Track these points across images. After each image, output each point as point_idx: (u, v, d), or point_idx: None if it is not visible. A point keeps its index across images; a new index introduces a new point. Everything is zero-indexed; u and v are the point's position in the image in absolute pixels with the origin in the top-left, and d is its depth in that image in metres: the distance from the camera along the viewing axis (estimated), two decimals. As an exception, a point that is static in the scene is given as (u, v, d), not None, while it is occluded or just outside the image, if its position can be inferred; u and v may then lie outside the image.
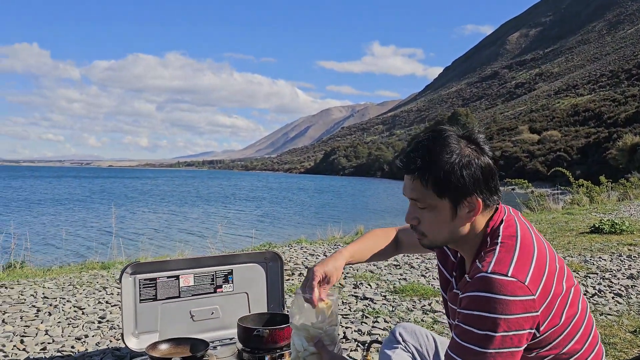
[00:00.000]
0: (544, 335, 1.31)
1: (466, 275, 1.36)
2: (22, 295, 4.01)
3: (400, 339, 1.91)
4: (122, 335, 2.46)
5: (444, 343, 1.94)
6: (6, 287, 4.28)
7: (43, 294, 4.04)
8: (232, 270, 2.74)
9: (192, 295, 2.64)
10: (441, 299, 1.70)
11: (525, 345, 1.29)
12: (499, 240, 1.33)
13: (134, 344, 2.47)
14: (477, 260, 1.33)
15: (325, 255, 5.86)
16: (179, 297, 2.60)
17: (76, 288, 4.26)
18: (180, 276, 2.60)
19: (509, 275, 1.24)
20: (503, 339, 1.23)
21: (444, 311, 3.40)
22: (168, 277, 2.58)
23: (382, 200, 42.51)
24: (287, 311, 2.84)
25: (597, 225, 7.82)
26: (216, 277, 2.70)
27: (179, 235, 14.46)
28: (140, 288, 2.50)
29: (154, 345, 2.33)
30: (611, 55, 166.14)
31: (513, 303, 1.23)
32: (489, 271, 1.25)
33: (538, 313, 1.27)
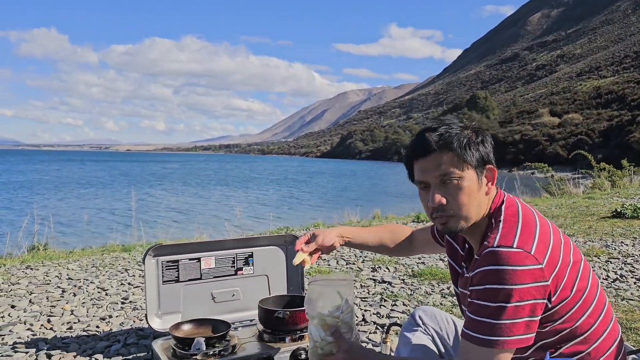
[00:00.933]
0: (556, 308, 1.33)
1: (476, 256, 1.39)
2: (47, 276, 4.11)
3: (420, 322, 1.92)
4: (145, 315, 2.51)
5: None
6: (31, 269, 4.39)
7: (67, 275, 4.13)
8: (252, 253, 2.77)
9: (214, 277, 2.68)
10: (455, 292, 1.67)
11: (540, 317, 1.31)
12: (502, 219, 1.38)
13: (157, 324, 2.52)
14: (484, 241, 1.37)
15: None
16: (200, 279, 2.64)
17: (99, 270, 4.35)
18: (201, 258, 2.64)
19: (515, 246, 1.28)
20: (516, 309, 1.26)
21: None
22: (190, 259, 2.62)
23: (399, 185, 42.40)
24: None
25: (619, 210, 7.70)
26: (237, 260, 2.73)
27: (198, 218, 14.62)
28: (162, 270, 2.55)
29: (177, 326, 2.38)
30: (636, 35, 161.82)
31: (522, 272, 1.26)
32: (495, 245, 1.30)
33: (548, 282, 1.29)
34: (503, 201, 1.44)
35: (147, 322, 2.49)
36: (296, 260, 1.83)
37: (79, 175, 45.78)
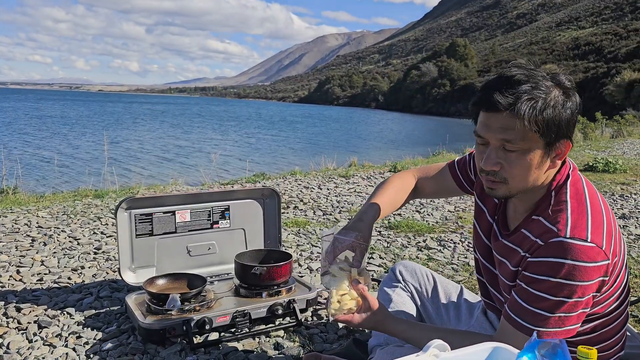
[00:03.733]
0: (601, 297, 1.28)
1: (530, 234, 1.27)
2: (16, 224, 3.99)
3: (400, 277, 1.90)
4: (118, 269, 2.45)
5: (444, 282, 1.93)
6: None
7: (37, 223, 4.02)
8: (229, 206, 2.70)
9: (189, 230, 2.61)
10: (471, 241, 1.60)
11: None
12: (567, 199, 1.25)
13: (131, 278, 2.47)
14: (542, 218, 1.26)
15: (320, 189, 5.86)
16: (175, 232, 2.58)
17: (70, 218, 4.24)
18: (176, 212, 2.56)
19: (589, 240, 1.18)
20: (575, 304, 1.20)
21: (461, 250, 3.46)
22: (164, 212, 2.54)
23: (377, 132, 42.40)
24: (284, 248, 2.84)
25: (591, 164, 7.83)
26: (213, 213, 2.66)
27: (173, 164, 14.42)
28: (136, 223, 2.47)
29: (152, 281, 2.33)
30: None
31: (592, 269, 1.18)
32: (567, 236, 1.18)
33: (608, 277, 1.23)
34: (569, 175, 1.30)
35: (121, 276, 2.43)
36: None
37: (52, 114, 44.39)
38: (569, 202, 1.24)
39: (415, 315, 1.83)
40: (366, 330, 2.15)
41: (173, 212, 2.56)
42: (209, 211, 2.65)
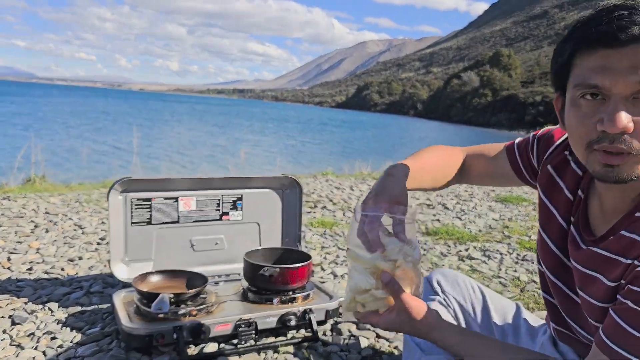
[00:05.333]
0: None
1: (624, 232, 0.93)
2: (23, 209, 3.73)
3: (438, 289, 1.48)
4: (109, 261, 2.11)
5: (495, 298, 1.50)
6: (9, 200, 4.01)
7: (45, 209, 3.75)
8: (242, 195, 2.33)
9: (194, 221, 2.25)
10: (537, 252, 1.18)
11: None
12: None
13: (123, 272, 2.12)
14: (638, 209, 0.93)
15: (352, 190, 5.44)
16: (177, 222, 2.22)
17: (82, 205, 3.96)
18: (179, 198, 2.21)
19: None
20: None
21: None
22: (166, 198, 2.19)
23: (415, 139, 41.66)
24: (305, 247, 2.45)
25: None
26: (223, 202, 2.29)
27: (200, 159, 14.23)
28: (132, 208, 2.12)
29: (144, 277, 1.98)
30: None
31: None
32: None
33: None
34: None
35: (110, 269, 2.09)
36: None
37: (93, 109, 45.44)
38: None
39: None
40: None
41: (176, 199, 2.21)
42: (219, 200, 2.29)
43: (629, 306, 0.88)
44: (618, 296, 0.92)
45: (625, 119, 0.83)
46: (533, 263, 3.08)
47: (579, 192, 1.08)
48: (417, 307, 1.02)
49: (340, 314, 2.09)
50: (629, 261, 0.91)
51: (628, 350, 0.86)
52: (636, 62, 0.82)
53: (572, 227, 1.08)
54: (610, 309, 0.93)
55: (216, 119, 46.43)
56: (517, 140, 1.30)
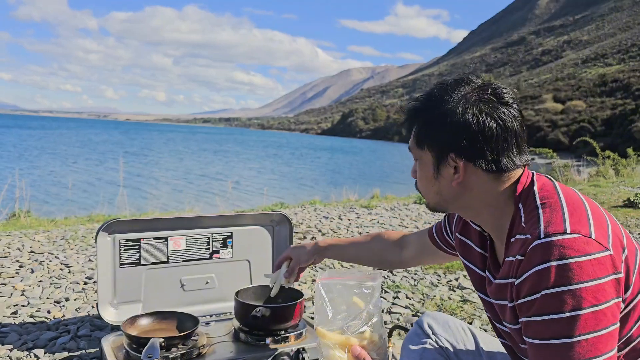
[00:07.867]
0: (627, 309, 1.00)
1: (512, 257, 1.03)
2: (8, 247, 3.67)
3: (429, 331, 1.49)
4: (97, 304, 2.07)
5: (487, 339, 1.52)
6: (-7, 238, 3.94)
7: (31, 247, 3.69)
8: (232, 233, 2.32)
9: (184, 261, 2.23)
10: (480, 300, 1.30)
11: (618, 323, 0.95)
12: (537, 203, 1.04)
13: (111, 315, 2.08)
14: (517, 235, 1.04)
15: (340, 219, 5.45)
16: (167, 262, 2.20)
17: (68, 243, 3.91)
18: (169, 238, 2.19)
19: (568, 232, 0.94)
20: (595, 317, 0.91)
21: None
22: (155, 238, 2.17)
23: (400, 165, 41.97)
24: (297, 284, 2.43)
25: (631, 200, 7.30)
26: (212, 241, 2.28)
27: (192, 190, 14.16)
28: (120, 250, 2.10)
29: (133, 320, 1.94)
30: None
31: (588, 264, 0.92)
32: (541, 236, 0.96)
33: (622, 274, 0.96)
34: (533, 181, 1.09)
35: (99, 313, 2.05)
36: (274, 291, 1.79)
37: (76, 141, 45.12)
38: (539, 206, 1.03)
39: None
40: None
41: (165, 239, 2.19)
42: (208, 238, 2.27)
43: (525, 321, 0.96)
44: (519, 320, 1.00)
45: (412, 170, 1.22)
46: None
47: (488, 242, 1.20)
48: None
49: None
50: (510, 280, 1.02)
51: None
52: (410, 134, 1.18)
53: (486, 271, 1.20)
54: (525, 339, 0.98)
55: (204, 146, 46.37)
56: (435, 227, 1.54)
